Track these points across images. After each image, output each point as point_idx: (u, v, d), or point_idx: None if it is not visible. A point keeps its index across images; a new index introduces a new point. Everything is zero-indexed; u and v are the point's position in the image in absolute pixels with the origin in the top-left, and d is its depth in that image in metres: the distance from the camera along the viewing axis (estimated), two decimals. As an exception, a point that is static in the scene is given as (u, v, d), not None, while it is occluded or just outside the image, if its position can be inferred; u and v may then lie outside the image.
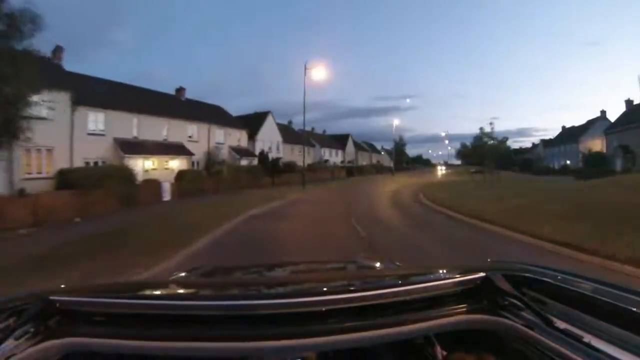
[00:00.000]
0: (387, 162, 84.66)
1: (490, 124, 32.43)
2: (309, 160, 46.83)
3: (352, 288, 1.05)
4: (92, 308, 0.89)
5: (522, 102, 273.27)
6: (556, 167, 53.26)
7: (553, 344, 0.72)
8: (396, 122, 71.61)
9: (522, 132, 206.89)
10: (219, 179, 22.77)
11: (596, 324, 0.73)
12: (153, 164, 23.27)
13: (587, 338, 0.69)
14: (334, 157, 58.86)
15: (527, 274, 0.97)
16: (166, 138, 25.23)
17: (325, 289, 1.10)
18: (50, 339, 0.80)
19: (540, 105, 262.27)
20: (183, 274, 1.97)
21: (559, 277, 0.92)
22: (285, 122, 52.83)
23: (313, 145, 52.89)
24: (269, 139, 39.37)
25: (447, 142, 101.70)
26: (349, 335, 0.80)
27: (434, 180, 38.58)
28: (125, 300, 0.94)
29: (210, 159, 28.02)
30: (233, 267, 2.37)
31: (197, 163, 27.69)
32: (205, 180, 22.41)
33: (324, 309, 0.84)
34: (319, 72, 23.15)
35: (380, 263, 2.05)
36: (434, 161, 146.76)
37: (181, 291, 1.30)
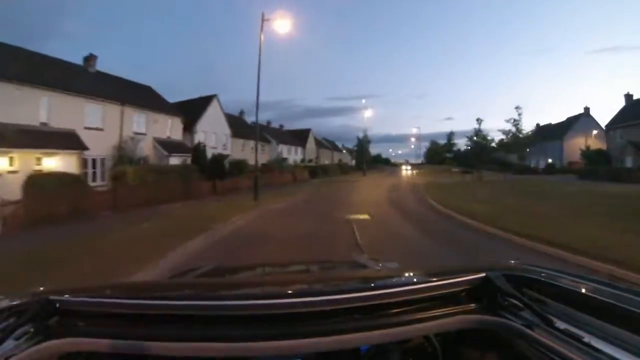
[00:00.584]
0: (349, 161, 79.53)
1: (517, 108, 26.08)
2: (263, 159, 39.04)
3: (352, 288, 1.04)
4: (92, 308, 0.89)
5: (476, 103, 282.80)
6: (535, 165, 49.74)
7: (553, 344, 0.72)
8: (368, 113, 62.61)
9: (476, 133, 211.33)
10: (122, 188, 14.41)
11: (596, 324, 0.73)
12: (11, 163, 14.50)
13: (587, 338, 0.69)
14: (293, 154, 51.45)
15: (527, 274, 0.97)
16: (46, 122, 16.49)
17: (325, 289, 1.13)
18: (50, 339, 0.80)
19: (493, 107, 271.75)
20: (182, 274, 1.95)
21: (559, 277, 0.93)
22: (237, 114, 44.77)
23: (269, 142, 45.16)
24: (213, 130, 31.03)
25: (413, 139, 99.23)
26: (348, 336, 0.80)
27: (419, 181, 32.29)
28: (124, 301, 0.93)
29: (122, 155, 19.60)
30: (233, 267, 2.39)
31: (101, 162, 19.17)
32: (92, 190, 14.06)
33: (323, 309, 0.83)
34: (280, 26, 15.68)
35: (381, 263, 1.97)
36: (393, 160, 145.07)
37: (181, 291, 1.27)
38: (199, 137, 28.93)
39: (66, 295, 0.91)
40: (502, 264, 1.10)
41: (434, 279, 0.98)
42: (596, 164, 31.78)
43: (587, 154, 36.07)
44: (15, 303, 0.88)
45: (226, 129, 33.48)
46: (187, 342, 0.78)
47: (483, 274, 0.94)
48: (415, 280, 1.07)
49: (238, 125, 39.41)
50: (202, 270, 1.93)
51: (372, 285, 1.08)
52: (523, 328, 0.79)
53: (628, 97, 34.85)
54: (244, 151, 38.10)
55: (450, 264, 1.64)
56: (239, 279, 1.80)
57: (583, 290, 0.84)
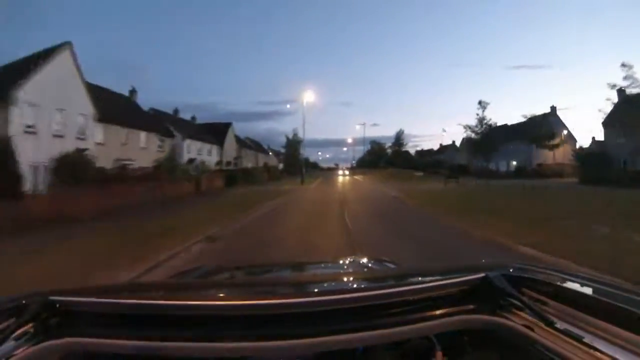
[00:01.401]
0: (276, 164, 67.85)
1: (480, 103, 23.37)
2: (147, 160, 26.02)
3: (352, 288, 1.04)
4: (92, 308, 0.89)
5: (398, 110, 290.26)
6: (495, 168, 43.65)
7: (553, 344, 0.71)
8: (308, 97, 41.29)
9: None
10: None
11: (596, 324, 0.72)
12: None
13: (587, 338, 0.69)
14: (207, 154, 39.34)
15: (527, 274, 0.97)
16: None
17: (325, 289, 1.13)
18: (50, 339, 0.80)
19: (414, 114, 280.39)
20: (183, 274, 1.95)
21: (559, 277, 0.92)
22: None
23: (172, 135, 32.71)
24: (55, 104, 18.01)
25: (349, 140, 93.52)
26: (348, 336, 0.79)
27: (396, 192, 21.52)
28: (125, 301, 0.93)
29: None
30: (233, 267, 2.28)
31: None
32: None
33: (323, 309, 0.83)
34: None
35: (380, 263, 1.97)
36: (321, 164, 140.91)
37: (181, 291, 1.27)
38: (23, 112, 16.20)
39: (66, 296, 0.90)
40: (502, 264, 1.07)
41: (434, 279, 0.98)
42: (592, 166, 27.72)
43: (583, 155, 30.93)
44: (15, 303, 0.87)
45: (86, 106, 20.50)
46: (187, 342, 0.78)
47: (482, 274, 0.93)
48: (415, 280, 1.06)
49: (122, 108, 26.78)
50: (202, 271, 1.94)
51: (372, 285, 1.11)
52: (523, 328, 0.79)
53: (621, 92, 30.16)
54: (129, 146, 25.53)
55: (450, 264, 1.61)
56: (238, 279, 1.78)
57: (583, 290, 0.84)
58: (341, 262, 2.30)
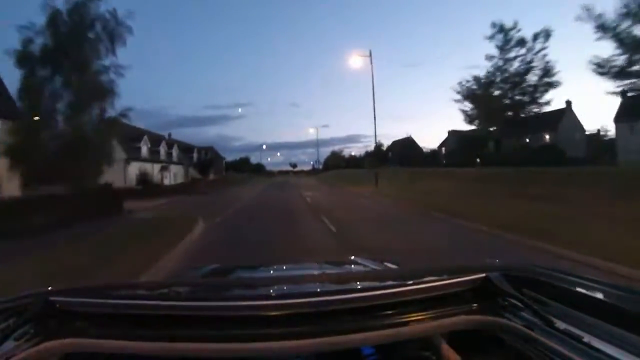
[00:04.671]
0: (183, 174, 43.84)
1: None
2: None
3: (352, 288, 1.07)
4: (92, 308, 0.89)
5: (349, 111, 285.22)
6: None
7: (553, 344, 0.71)
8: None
9: (351, 139, 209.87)
10: None
11: (596, 324, 0.72)
12: None
13: (587, 338, 0.69)
14: None
15: (527, 274, 0.98)
16: None
17: (325, 289, 1.15)
18: (50, 339, 0.79)
19: (364, 115, 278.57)
20: (183, 274, 1.96)
21: (559, 277, 0.93)
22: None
23: None
24: None
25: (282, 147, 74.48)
26: (348, 336, 0.78)
27: None
28: (125, 301, 0.93)
29: None
30: (233, 267, 2.39)
31: None
32: None
33: (323, 309, 0.83)
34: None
35: (380, 263, 1.97)
36: (269, 168, 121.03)
37: (181, 292, 1.28)
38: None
39: (66, 296, 0.90)
40: (502, 264, 1.08)
41: (435, 279, 0.97)
42: None
43: None
44: (15, 303, 0.88)
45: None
46: (187, 343, 0.77)
47: (483, 274, 0.94)
48: (415, 280, 1.01)
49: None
50: (202, 271, 1.96)
51: (373, 285, 1.09)
52: (523, 328, 0.78)
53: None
54: None
55: (451, 265, 1.61)
56: (238, 280, 1.79)
57: (583, 290, 0.83)
58: (342, 262, 2.32)
